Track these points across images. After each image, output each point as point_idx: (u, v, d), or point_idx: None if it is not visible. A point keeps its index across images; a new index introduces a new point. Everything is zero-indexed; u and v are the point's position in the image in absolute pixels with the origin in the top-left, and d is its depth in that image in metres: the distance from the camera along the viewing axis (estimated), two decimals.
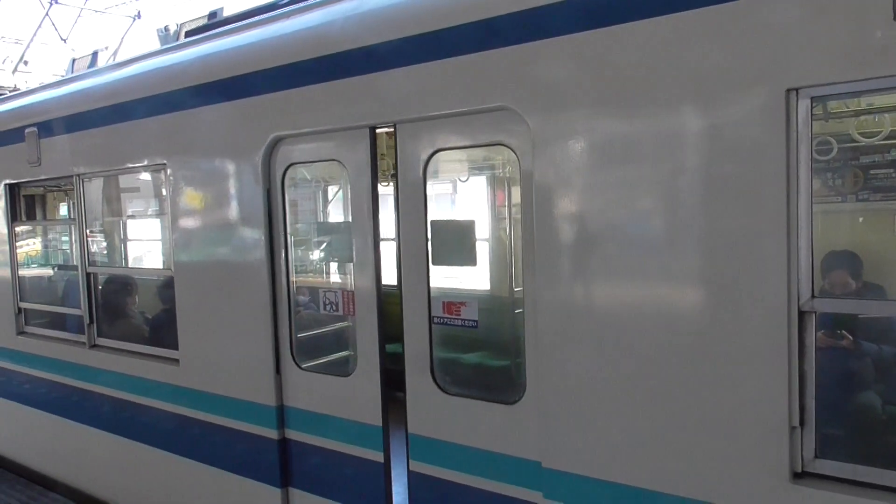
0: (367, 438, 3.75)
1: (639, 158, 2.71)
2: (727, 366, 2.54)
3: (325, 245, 4.80)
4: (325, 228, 4.93)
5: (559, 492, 3.00)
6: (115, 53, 8.76)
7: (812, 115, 2.36)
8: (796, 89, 2.34)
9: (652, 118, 2.66)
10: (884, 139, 4.33)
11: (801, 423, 2.45)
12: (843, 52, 2.24)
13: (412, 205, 3.48)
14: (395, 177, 3.59)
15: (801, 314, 2.41)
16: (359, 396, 3.76)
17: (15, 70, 10.31)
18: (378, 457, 3.71)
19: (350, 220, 3.80)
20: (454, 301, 3.46)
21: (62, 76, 8.80)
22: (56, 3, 10.12)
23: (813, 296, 2.41)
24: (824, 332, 4.22)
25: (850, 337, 4.11)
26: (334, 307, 3.99)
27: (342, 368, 3.97)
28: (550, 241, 2.94)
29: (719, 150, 2.50)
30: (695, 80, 2.53)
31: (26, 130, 5.94)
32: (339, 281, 4.64)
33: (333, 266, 4.78)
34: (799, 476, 2.46)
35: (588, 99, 2.80)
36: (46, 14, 10.01)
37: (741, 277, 2.49)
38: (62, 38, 10.76)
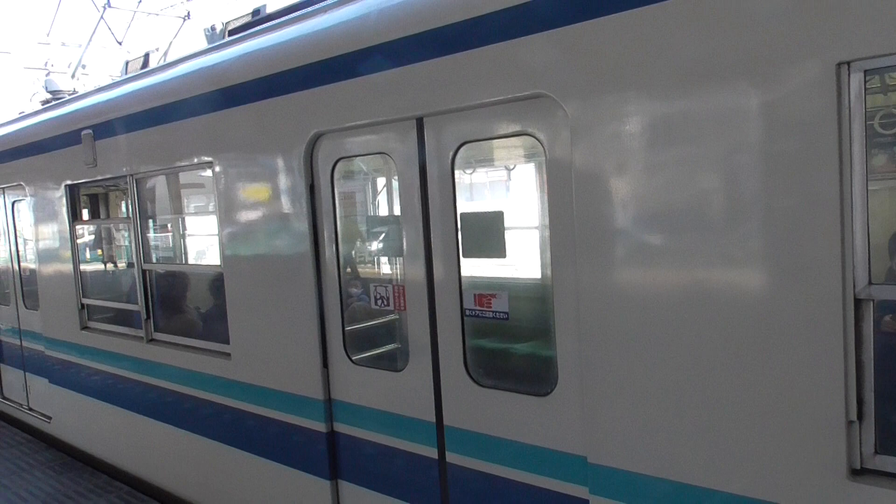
0: (419, 433, 3.75)
1: (685, 141, 2.59)
2: (780, 356, 2.42)
3: (375, 238, 4.81)
4: (376, 221, 4.93)
5: (606, 487, 2.94)
6: (165, 54, 8.97)
7: (866, 88, 2.21)
8: (847, 63, 2.20)
9: (698, 98, 2.54)
10: None
11: (860, 417, 2.32)
12: None
13: (441, 196, 3.45)
14: (421, 169, 3.57)
15: (858, 302, 2.28)
16: (410, 391, 3.75)
17: (74, 74, 10.67)
18: (432, 452, 3.70)
19: (399, 212, 3.79)
20: (484, 293, 3.42)
21: (117, 78, 9.07)
22: (109, 6, 10.43)
23: (870, 282, 2.27)
24: (892, 315, 4.01)
25: None
26: (385, 301, 3.99)
27: (394, 363, 3.97)
28: (593, 228, 2.85)
29: (769, 129, 2.37)
30: (741, 56, 2.40)
31: (82, 133, 6.14)
32: (390, 274, 4.64)
33: (384, 259, 4.78)
34: (857, 473, 2.34)
35: (633, 82, 2.69)
36: (101, 18, 10.32)
37: (794, 264, 2.36)
38: (118, 41, 11.10)
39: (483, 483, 3.46)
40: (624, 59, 2.71)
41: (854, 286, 2.28)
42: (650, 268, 2.72)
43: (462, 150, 3.42)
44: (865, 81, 2.21)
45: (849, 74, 2.21)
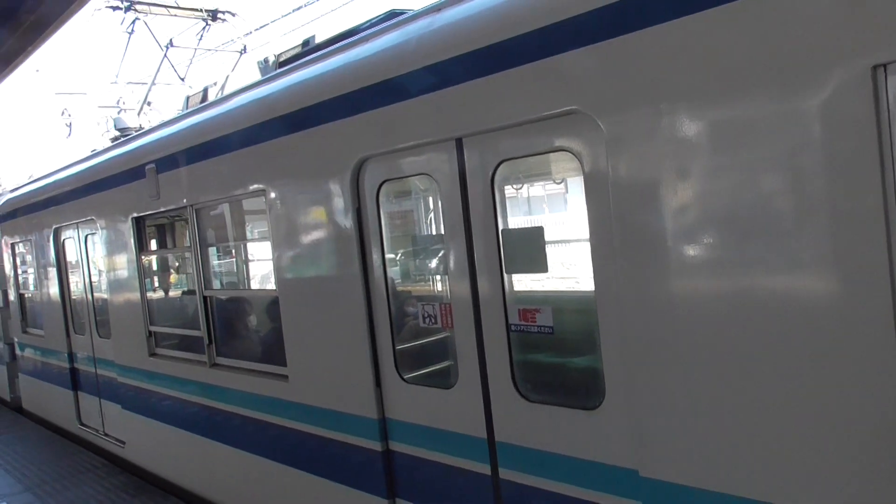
0: (471, 450, 3.75)
1: (721, 150, 2.57)
2: (842, 364, 2.33)
3: (421, 258, 4.87)
4: (423, 241, 5.00)
5: (659, 501, 2.87)
6: (222, 88, 9.34)
7: None
8: (884, 65, 2.14)
9: (734, 107, 2.51)
10: None
11: None
12: None
13: (482, 214, 3.50)
14: (462, 188, 3.60)
15: None
16: (461, 408, 3.77)
17: (140, 111, 11.21)
18: (485, 469, 3.70)
19: (443, 231, 3.83)
20: (528, 308, 3.42)
21: (179, 113, 9.50)
22: (172, 45, 10.96)
23: None
24: None
25: None
26: (432, 319, 4.03)
27: (444, 380, 4.00)
28: (632, 240, 2.84)
29: (808, 135, 2.33)
30: (776, 63, 2.37)
31: (147, 167, 6.45)
32: (438, 293, 4.69)
33: (432, 279, 4.84)
34: None
35: (666, 94, 2.68)
36: (165, 56, 10.84)
37: (840, 272, 2.30)
38: (180, 78, 11.63)
39: (536, 498, 3.43)
40: (657, 72, 2.70)
41: None
42: (691, 277, 2.69)
43: (501, 167, 3.45)
44: None
45: (886, 77, 2.16)
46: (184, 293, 7.16)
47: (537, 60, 3.09)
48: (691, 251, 2.68)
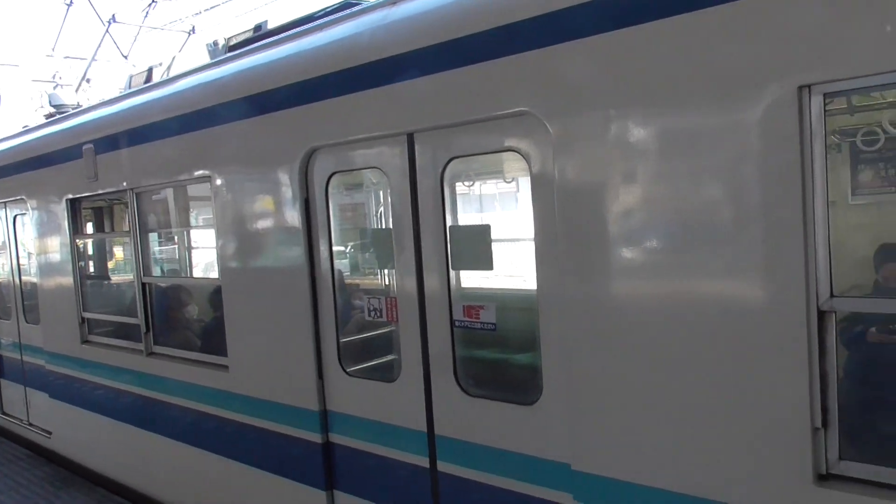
0: (410, 442, 3.78)
1: (658, 159, 2.69)
2: (749, 366, 2.49)
3: (370, 251, 4.86)
4: (371, 234, 5.00)
5: (589, 494, 2.98)
6: (168, 69, 9.08)
7: (825, 111, 2.31)
8: (808, 86, 2.29)
9: (669, 119, 2.64)
10: None
11: (824, 424, 2.39)
12: (854, 48, 2.19)
13: (431, 210, 3.54)
14: (412, 183, 3.63)
15: (821, 314, 2.35)
16: (402, 402, 3.79)
17: (78, 88, 10.78)
18: (423, 461, 3.73)
19: (392, 226, 3.85)
20: (473, 304, 3.48)
21: (120, 92, 9.18)
22: (115, 21, 10.57)
23: (832, 295, 2.35)
24: (877, 327, 4.05)
25: None
26: (378, 313, 4.04)
27: (387, 374, 4.02)
28: (575, 241, 2.93)
29: (737, 149, 2.46)
30: (709, 79, 2.50)
31: (84, 147, 6.22)
32: (384, 287, 4.70)
33: (379, 273, 4.84)
34: (823, 478, 2.40)
35: (610, 102, 2.78)
36: (107, 31, 10.45)
37: (760, 277, 2.45)
38: (123, 55, 11.23)
39: (472, 491, 3.49)
40: (606, 78, 2.79)
41: (817, 299, 2.34)
42: (627, 279, 2.81)
43: (451, 164, 3.48)
44: (825, 104, 2.30)
45: (810, 97, 2.30)
46: (121, 279, 6.95)
47: (489, 60, 3.13)
48: (629, 254, 2.79)
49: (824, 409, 2.39)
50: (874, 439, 3.17)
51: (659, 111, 2.65)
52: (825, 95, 2.31)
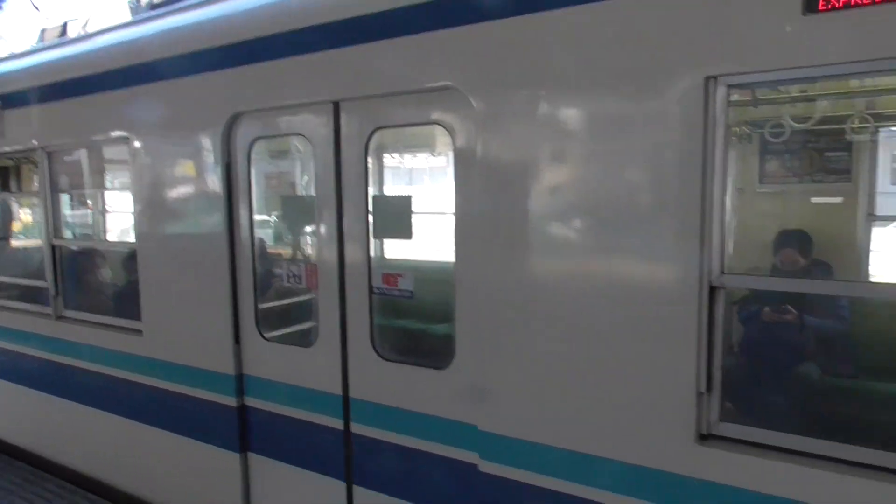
0: (325, 405, 3.87)
1: (576, 140, 2.83)
2: (646, 336, 2.69)
3: (292, 218, 4.87)
4: (294, 201, 5.01)
5: (494, 453, 3.16)
6: (85, 25, 8.67)
7: (729, 101, 2.49)
8: (715, 77, 2.47)
9: (588, 102, 2.78)
10: (815, 125, 4.50)
11: (708, 389, 2.61)
12: (758, 44, 2.37)
13: (355, 179, 3.60)
14: (337, 152, 3.68)
15: (712, 289, 2.56)
16: (319, 366, 3.87)
17: None
18: (338, 423, 3.83)
19: (315, 193, 3.88)
20: (391, 273, 3.59)
21: (32, 46, 8.71)
22: None
23: (723, 272, 2.56)
24: (770, 306, 4.41)
25: (794, 312, 4.30)
26: (298, 279, 4.08)
27: (305, 339, 4.08)
28: (493, 216, 3.05)
29: (648, 133, 2.62)
30: (628, 65, 2.65)
31: None
32: (305, 254, 4.73)
33: (300, 239, 4.86)
34: (704, 438, 2.62)
35: (532, 81, 2.90)
36: None
37: (663, 255, 2.64)
38: (35, 6, 10.65)
39: (384, 451, 3.63)
40: (531, 58, 2.91)
41: (710, 275, 2.55)
42: (539, 255, 2.96)
43: (377, 134, 3.55)
44: (729, 95, 2.49)
45: (716, 88, 2.48)
46: (30, 242, 6.68)
47: (417, 34, 3.21)
48: (543, 230, 2.94)
49: (709, 376, 2.60)
50: (750, 404, 3.49)
51: (580, 94, 2.79)
52: (729, 87, 2.48)
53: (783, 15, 2.30)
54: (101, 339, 5.18)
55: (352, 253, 3.68)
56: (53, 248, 5.62)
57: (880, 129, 4.92)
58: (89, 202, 6.65)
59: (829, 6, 2.22)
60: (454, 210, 3.27)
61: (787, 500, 2.43)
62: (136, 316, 4.84)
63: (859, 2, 2.18)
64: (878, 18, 2.16)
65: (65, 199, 6.09)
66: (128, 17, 6.22)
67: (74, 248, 6.02)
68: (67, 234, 6.19)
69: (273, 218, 4.80)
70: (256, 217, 4.20)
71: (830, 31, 2.24)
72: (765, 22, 2.34)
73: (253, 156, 4.11)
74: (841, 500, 2.34)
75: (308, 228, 4.35)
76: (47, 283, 5.67)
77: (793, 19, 2.28)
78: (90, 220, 6.91)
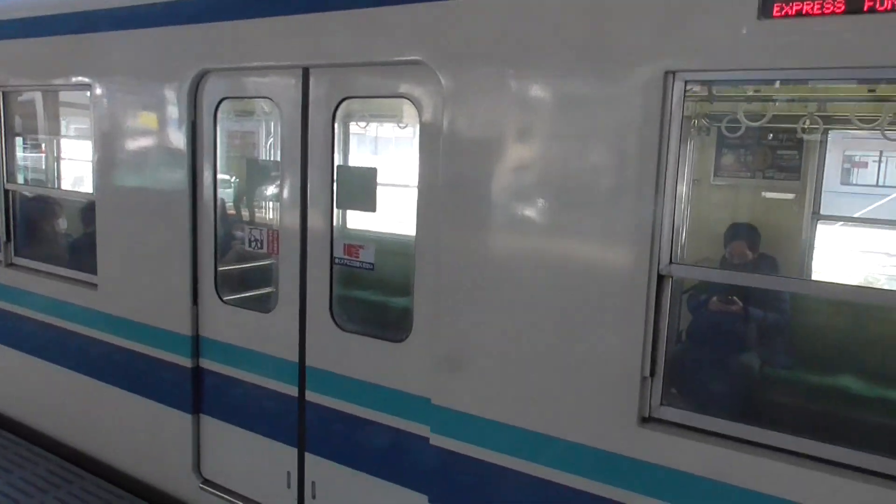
0: (281, 372, 3.90)
1: (541, 121, 2.89)
2: (597, 320, 2.80)
3: (256, 181, 4.83)
4: (259, 165, 4.96)
5: (445, 427, 3.25)
6: None
7: (686, 96, 2.57)
8: (673, 72, 2.55)
9: (556, 85, 2.84)
10: (767, 123, 4.65)
11: (652, 374, 2.73)
12: (716, 44, 2.46)
13: (320, 147, 3.60)
14: (304, 118, 3.67)
15: (660, 277, 2.68)
16: (277, 332, 3.89)
17: None
18: (292, 390, 3.87)
19: (280, 158, 3.86)
20: (353, 244, 3.62)
21: None
22: None
23: (671, 262, 2.67)
24: (717, 297, 4.58)
25: (740, 303, 4.49)
26: (259, 244, 4.07)
27: (264, 304, 4.09)
28: (455, 192, 3.10)
29: (611, 122, 2.70)
30: (596, 52, 2.72)
31: None
32: (268, 219, 4.70)
33: (264, 204, 4.83)
34: (646, 420, 2.76)
35: (500, 60, 2.94)
36: None
37: (617, 241, 2.73)
38: None
39: (338, 421, 3.69)
40: (496, 38, 2.94)
41: (658, 264, 2.66)
42: (499, 232, 3.02)
43: (345, 104, 3.54)
44: (685, 90, 2.57)
45: (673, 82, 2.56)
46: None
47: (389, 6, 3.20)
48: (504, 208, 3.00)
49: (653, 361, 2.72)
50: (693, 390, 3.66)
51: (548, 75, 2.84)
52: (686, 82, 2.57)
53: (740, 18, 2.38)
54: (53, 290, 5.09)
55: (315, 221, 3.69)
56: (7, 192, 5.47)
57: (829, 131, 5.12)
58: (45, 148, 6.45)
59: (783, 13, 2.31)
60: (417, 182, 3.30)
61: (720, 482, 2.58)
62: (92, 269, 4.77)
63: (810, 11, 2.27)
64: (827, 29, 2.26)
65: (19, 142, 5.90)
66: None
67: (28, 194, 5.86)
68: (20, 178, 6.01)
69: (237, 180, 4.76)
70: (220, 177, 4.16)
71: (783, 37, 2.34)
72: (723, 24, 2.43)
73: (219, 115, 4.05)
74: (771, 484, 2.49)
75: (271, 192, 4.33)
76: None
77: (749, 23, 2.37)
78: (45, 167, 6.71)
